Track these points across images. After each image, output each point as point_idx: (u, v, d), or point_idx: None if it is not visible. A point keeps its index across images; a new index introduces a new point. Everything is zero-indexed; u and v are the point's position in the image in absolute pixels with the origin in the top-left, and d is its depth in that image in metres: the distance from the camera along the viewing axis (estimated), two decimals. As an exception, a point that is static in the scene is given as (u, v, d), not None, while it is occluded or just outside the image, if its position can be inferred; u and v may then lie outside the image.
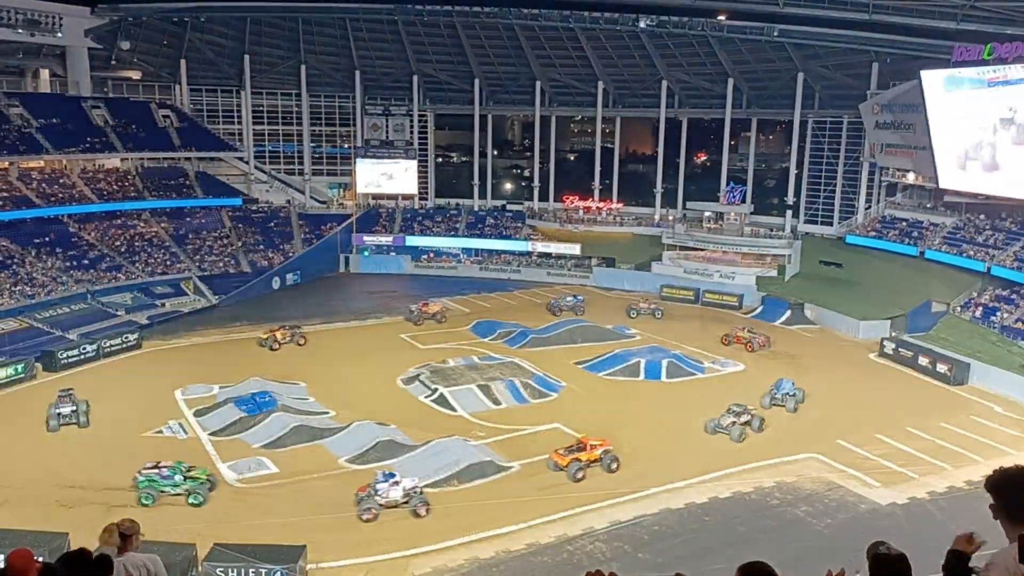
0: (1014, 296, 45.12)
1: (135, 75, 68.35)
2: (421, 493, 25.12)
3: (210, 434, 30.93)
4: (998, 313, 44.41)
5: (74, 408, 31.44)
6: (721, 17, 56.81)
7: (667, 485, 26.97)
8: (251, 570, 19.67)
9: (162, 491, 25.23)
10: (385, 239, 67.51)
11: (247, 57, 68.58)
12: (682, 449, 30.23)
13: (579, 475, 27.26)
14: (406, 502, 24.78)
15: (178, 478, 25.47)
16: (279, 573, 19.68)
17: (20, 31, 54.98)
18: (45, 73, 63.93)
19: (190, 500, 25.16)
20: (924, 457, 29.60)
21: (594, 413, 33.66)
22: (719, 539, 23.57)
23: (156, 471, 25.58)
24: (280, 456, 28.92)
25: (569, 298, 52.32)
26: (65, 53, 61.68)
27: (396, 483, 24.95)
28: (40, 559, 4.64)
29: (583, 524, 24.38)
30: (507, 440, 30.60)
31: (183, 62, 67.68)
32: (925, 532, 23.22)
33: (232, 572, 19.58)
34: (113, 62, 66.10)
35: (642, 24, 59.50)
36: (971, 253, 48.92)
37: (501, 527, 24.07)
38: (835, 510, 25.63)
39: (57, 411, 31.18)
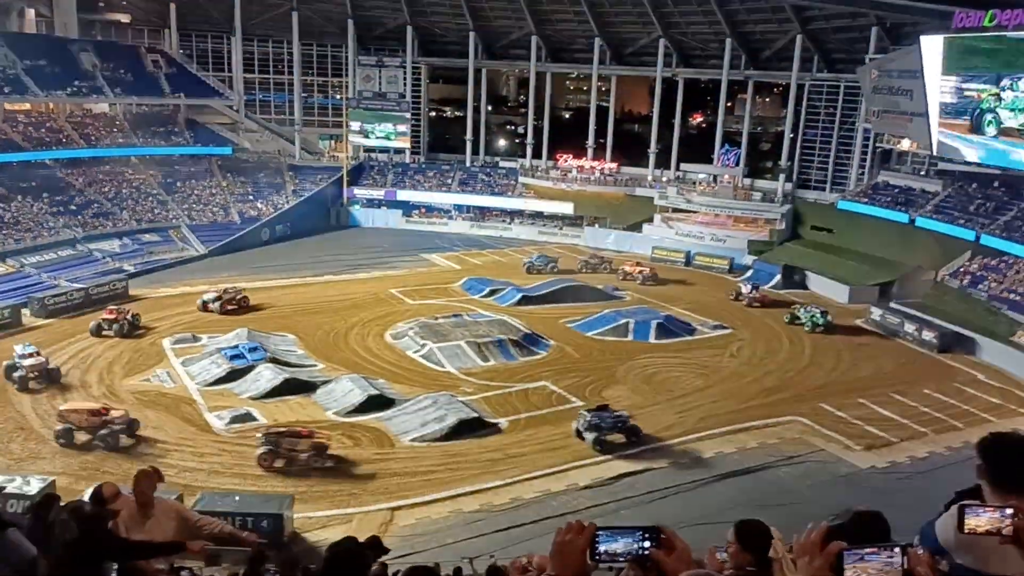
0: (1002, 265, 45.31)
1: (124, 18, 66.85)
2: None
3: (198, 384, 30.96)
4: (985, 282, 44.64)
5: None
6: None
7: (651, 444, 27.28)
8: (238, 518, 19.77)
9: None
10: (376, 193, 67.05)
11: (237, 2, 67.03)
12: (668, 409, 30.52)
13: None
14: None
15: None
16: (265, 522, 19.83)
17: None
18: (31, 13, 62.38)
19: None
20: (906, 422, 29.96)
21: (582, 371, 33.90)
22: (700, 498, 23.90)
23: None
24: (268, 407, 29.01)
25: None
26: (51, -8, 60.32)
27: None
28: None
29: (566, 480, 24.67)
30: (495, 397, 30.79)
31: (172, 6, 66.10)
32: (903, 496, 23.61)
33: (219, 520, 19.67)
34: (101, 4, 64.58)
35: None
36: (961, 221, 48.96)
37: (486, 482, 24.32)
38: (816, 472, 25.99)
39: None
